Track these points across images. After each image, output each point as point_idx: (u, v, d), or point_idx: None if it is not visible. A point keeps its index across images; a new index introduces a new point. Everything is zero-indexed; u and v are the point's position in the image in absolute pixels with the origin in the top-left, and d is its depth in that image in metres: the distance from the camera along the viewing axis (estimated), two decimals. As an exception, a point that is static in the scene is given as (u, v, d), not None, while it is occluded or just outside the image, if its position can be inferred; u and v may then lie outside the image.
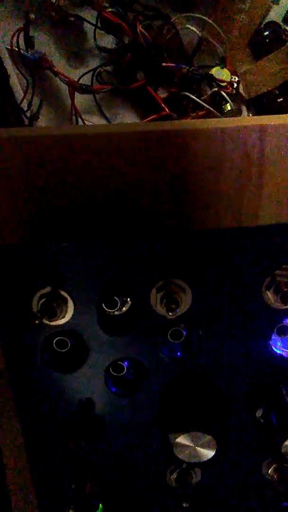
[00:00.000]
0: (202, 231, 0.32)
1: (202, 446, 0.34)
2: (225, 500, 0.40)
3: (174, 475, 0.38)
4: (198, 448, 0.34)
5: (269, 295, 0.33)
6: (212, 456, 0.34)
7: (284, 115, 0.34)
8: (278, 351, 0.35)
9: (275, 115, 0.34)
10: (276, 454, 0.34)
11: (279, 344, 0.36)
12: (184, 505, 0.36)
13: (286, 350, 0.36)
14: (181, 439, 0.33)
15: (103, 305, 0.33)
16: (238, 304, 0.33)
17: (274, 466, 0.38)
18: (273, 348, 0.35)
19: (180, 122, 0.32)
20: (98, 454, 0.37)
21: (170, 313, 0.31)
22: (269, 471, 0.38)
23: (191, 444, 0.34)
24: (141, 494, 0.39)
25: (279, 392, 0.35)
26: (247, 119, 0.33)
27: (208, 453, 0.34)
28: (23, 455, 0.37)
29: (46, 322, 0.32)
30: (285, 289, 0.32)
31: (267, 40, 0.65)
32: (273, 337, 0.35)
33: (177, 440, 0.33)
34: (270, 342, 0.35)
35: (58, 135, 0.30)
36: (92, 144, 0.30)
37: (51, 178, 0.30)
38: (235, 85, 0.67)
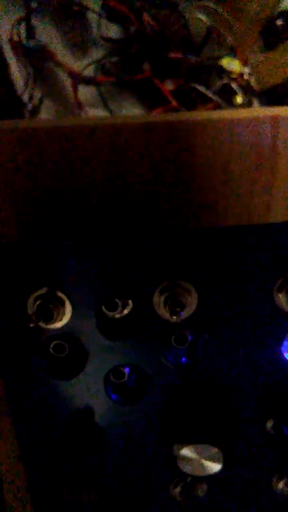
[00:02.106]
0: (209, 229, 0.30)
1: (208, 459, 0.32)
2: (232, 515, 0.38)
3: (178, 489, 0.36)
4: (204, 461, 0.32)
5: (281, 297, 0.30)
6: (219, 470, 0.32)
7: (298, 106, 0.32)
8: (290, 358, 0.33)
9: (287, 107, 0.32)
10: (286, 468, 0.32)
11: (291, 350, 0.34)
12: (188, 520, 0.35)
13: (299, 357, 0.34)
14: (186, 451, 0.32)
15: (103, 307, 0.32)
16: (247, 307, 0.31)
17: (285, 480, 0.36)
18: (285, 354, 0.33)
19: (186, 113, 0.30)
20: (97, 465, 0.35)
21: (174, 317, 0.29)
22: (280, 486, 0.36)
23: (196, 457, 0.32)
24: (143, 508, 0.37)
25: (291, 402, 0.32)
26: (258, 110, 0.31)
27: (215, 467, 0.32)
28: (20, 466, 0.36)
29: (42, 325, 0.30)
30: (299, 292, 0.30)
31: (280, 30, 0.63)
32: (285, 343, 0.33)
33: (181, 452, 0.32)
34: (282, 348, 0.33)
35: (56, 127, 0.28)
36: (92, 138, 0.28)
37: (49, 173, 0.29)
38: (246, 76, 0.65)
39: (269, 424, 0.33)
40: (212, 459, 0.32)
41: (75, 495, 0.37)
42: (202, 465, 0.32)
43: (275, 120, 0.30)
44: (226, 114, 0.30)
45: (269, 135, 0.30)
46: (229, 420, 0.33)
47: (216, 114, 0.30)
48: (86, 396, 0.33)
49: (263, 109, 0.32)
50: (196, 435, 0.31)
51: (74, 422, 0.34)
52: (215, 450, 0.31)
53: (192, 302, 0.31)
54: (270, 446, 0.34)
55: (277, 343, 0.32)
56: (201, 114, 0.30)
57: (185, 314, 0.31)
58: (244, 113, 0.30)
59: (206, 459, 0.32)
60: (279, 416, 0.33)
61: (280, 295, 0.31)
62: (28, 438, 0.34)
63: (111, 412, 0.34)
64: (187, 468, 0.32)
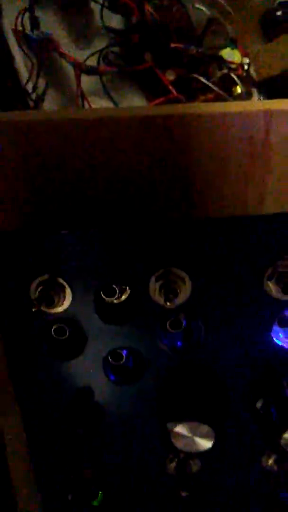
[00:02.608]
0: (203, 220, 0.31)
1: (200, 436, 0.33)
2: (224, 490, 0.40)
3: (173, 464, 0.38)
4: (196, 438, 0.33)
5: (271, 285, 0.32)
6: (210, 447, 0.34)
7: (290, 99, 0.33)
8: (279, 343, 0.35)
9: (281, 99, 0.33)
10: (275, 446, 0.33)
11: (280, 335, 0.35)
12: (182, 494, 0.37)
13: (287, 341, 0.35)
14: (179, 429, 0.33)
15: (101, 293, 0.33)
16: (239, 294, 0.33)
17: (274, 457, 0.38)
18: (274, 339, 0.34)
19: (183, 106, 0.31)
20: (97, 441, 0.37)
21: (168, 303, 0.31)
22: (269, 462, 0.38)
23: (189, 434, 0.33)
24: (140, 482, 0.39)
25: (280, 384, 0.34)
26: (252, 104, 0.32)
27: (206, 444, 0.34)
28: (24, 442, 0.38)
29: (44, 309, 0.32)
30: (287, 280, 0.31)
31: (280, 21, 0.63)
32: (274, 328, 0.34)
33: (175, 429, 0.33)
34: (271, 333, 0.34)
35: (56, 120, 0.30)
36: (91, 130, 0.30)
37: (50, 165, 0.30)
38: (246, 67, 0.65)
39: (259, 404, 0.35)
40: (204, 436, 0.33)
41: (76, 469, 0.39)
42: (194, 442, 0.34)
43: (268, 114, 0.31)
44: (220, 108, 0.31)
45: (262, 129, 0.31)
46: (221, 400, 0.35)
47: (210, 108, 0.31)
48: (86, 376, 0.35)
49: (256, 103, 0.33)
50: (189, 414, 0.33)
51: (75, 400, 0.36)
52: (206, 428, 0.33)
53: (186, 289, 0.32)
54: (260, 425, 0.35)
55: (267, 328, 0.34)
56: (196, 108, 0.31)
57: (179, 300, 0.32)
58: (237, 106, 0.31)
59: (198, 437, 0.33)
60: (268, 396, 0.34)
61: (269, 283, 0.32)
62: (31, 415, 0.36)
63: (110, 391, 0.36)
64: (180, 445, 0.34)
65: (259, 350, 0.34)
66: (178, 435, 0.33)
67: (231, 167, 0.31)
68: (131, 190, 0.31)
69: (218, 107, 0.31)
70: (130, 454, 0.38)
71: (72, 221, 0.31)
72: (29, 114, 0.31)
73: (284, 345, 0.35)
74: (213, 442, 0.34)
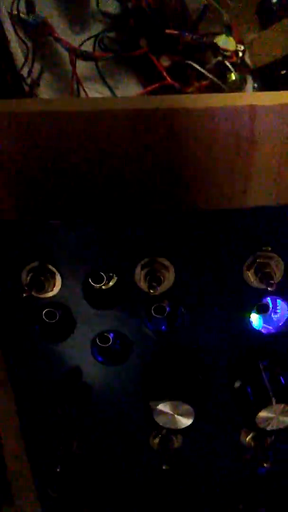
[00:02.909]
0: (187, 212, 0.32)
1: (181, 414, 0.35)
2: (204, 464, 0.42)
3: (156, 440, 0.40)
4: (177, 416, 0.36)
5: (250, 275, 0.34)
6: (190, 424, 0.36)
7: (277, 93, 0.34)
8: (257, 328, 0.37)
9: (267, 92, 0.34)
10: (252, 424, 0.35)
11: (258, 321, 0.37)
12: (164, 467, 0.39)
13: (265, 327, 0.37)
14: (162, 407, 0.35)
15: (89, 279, 0.34)
16: (220, 283, 0.34)
17: (251, 435, 0.40)
18: (252, 325, 0.36)
19: (171, 99, 0.32)
20: (85, 418, 0.40)
21: (151, 290, 0.32)
22: (246, 440, 0.41)
23: (170, 412, 0.35)
24: (125, 456, 0.42)
25: (256, 366, 0.36)
26: (238, 98, 0.32)
27: (186, 421, 0.36)
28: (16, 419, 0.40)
29: (34, 294, 0.34)
30: (265, 270, 0.33)
31: (275, 9, 0.63)
32: (252, 314, 0.36)
33: (157, 407, 0.35)
34: (250, 319, 0.36)
35: (49, 112, 0.30)
36: (81, 123, 0.30)
37: (42, 157, 0.31)
38: (241, 54, 0.65)
39: (237, 384, 0.37)
40: (184, 414, 0.35)
41: (64, 445, 0.41)
42: (175, 419, 0.36)
43: (252, 109, 0.32)
44: (206, 102, 0.32)
45: (247, 123, 0.32)
46: (201, 380, 0.37)
47: (197, 102, 0.32)
48: (75, 358, 0.37)
49: (242, 97, 0.33)
50: (171, 393, 0.35)
51: (64, 380, 0.38)
52: (187, 406, 0.35)
53: (170, 277, 0.34)
54: (237, 404, 0.38)
55: (245, 314, 0.36)
56: (184, 102, 0.32)
57: (163, 287, 0.34)
58: (224, 101, 0.32)
59: (179, 414, 0.36)
60: (245, 377, 0.36)
61: (248, 273, 0.34)
62: (23, 393, 0.38)
63: (97, 372, 0.38)
64: (162, 422, 0.36)
65: (238, 334, 0.36)
66: (161, 412, 0.35)
67: (216, 161, 0.32)
68: (119, 182, 0.32)
69: (204, 101, 0.32)
70: (116, 430, 0.40)
71: (62, 211, 0.32)
72: (27, 103, 0.32)
73: (262, 330, 0.37)
74: (193, 420, 0.36)
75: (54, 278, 0.34)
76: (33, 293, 0.33)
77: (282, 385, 0.35)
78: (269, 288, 0.32)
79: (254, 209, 0.33)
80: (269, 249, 0.33)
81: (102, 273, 0.34)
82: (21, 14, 0.59)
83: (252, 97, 0.34)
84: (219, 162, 0.33)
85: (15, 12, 0.58)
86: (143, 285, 0.34)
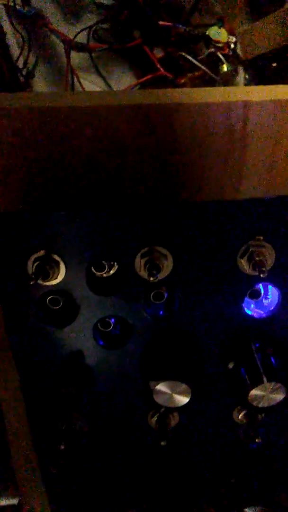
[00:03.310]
0: (184, 203, 0.34)
1: (178, 393, 0.38)
2: (199, 440, 0.45)
3: (155, 418, 0.42)
4: (175, 395, 0.38)
5: (243, 262, 0.36)
6: (187, 403, 0.38)
7: (269, 88, 0.35)
8: (249, 312, 0.39)
9: (260, 87, 0.35)
10: (245, 402, 0.38)
11: (251, 306, 0.39)
12: (161, 443, 0.41)
13: (257, 311, 0.39)
14: (160, 387, 0.37)
15: (92, 268, 0.36)
16: (215, 270, 0.36)
17: (244, 412, 0.43)
18: (245, 309, 0.39)
19: (166, 94, 0.33)
20: (87, 399, 0.41)
21: (151, 278, 0.34)
22: (239, 417, 0.43)
23: (168, 391, 0.38)
24: (125, 434, 0.44)
25: (249, 348, 0.38)
26: (232, 93, 0.34)
27: (183, 400, 0.38)
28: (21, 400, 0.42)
29: (40, 282, 0.35)
30: (257, 258, 0.35)
31: (266, 1, 0.64)
32: (246, 300, 0.38)
33: (156, 387, 0.37)
34: (243, 304, 0.38)
35: (49, 107, 0.31)
36: (78, 117, 0.31)
37: (43, 150, 0.32)
38: (232, 45, 0.66)
39: (231, 365, 0.39)
40: (182, 393, 0.38)
41: (67, 423, 0.43)
42: (173, 398, 0.38)
43: (246, 104, 0.33)
44: (201, 97, 0.33)
45: (241, 118, 0.33)
46: (197, 361, 0.39)
47: (191, 97, 0.33)
48: (77, 342, 0.39)
49: (236, 91, 0.34)
50: (169, 373, 0.37)
51: (67, 363, 0.39)
52: (184, 386, 0.37)
53: (168, 265, 0.36)
54: (231, 384, 0.40)
55: (239, 299, 0.38)
56: (179, 97, 0.33)
57: (162, 275, 0.36)
58: (218, 96, 0.33)
59: (176, 394, 0.38)
60: (239, 358, 0.39)
61: (242, 260, 0.36)
62: (28, 375, 0.40)
63: (99, 355, 0.40)
64: (160, 401, 0.38)
65: (232, 318, 0.38)
66: (159, 392, 0.38)
67: (211, 155, 0.34)
68: (117, 176, 0.33)
69: (199, 96, 0.33)
70: (117, 410, 0.42)
71: (65, 202, 0.34)
72: (25, 99, 0.33)
73: (254, 314, 0.39)
74: (190, 398, 0.38)
75: (58, 266, 0.35)
76: (38, 281, 0.34)
77: (273, 365, 0.38)
78: (261, 275, 0.34)
79: (247, 201, 0.34)
80: (262, 238, 0.35)
81: (103, 262, 0.36)
82: (16, 6, 0.59)
83: (245, 92, 0.35)
84: (214, 155, 0.34)
85: (10, 3, 0.59)
86: (142, 273, 0.36)
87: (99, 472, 0.47)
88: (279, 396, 0.38)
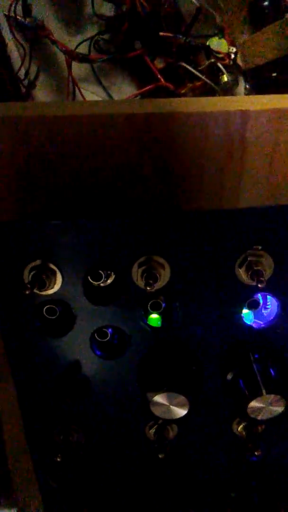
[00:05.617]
0: (182, 212, 0.34)
1: (176, 405, 0.37)
2: (198, 453, 0.44)
3: (153, 430, 0.42)
4: (172, 407, 0.37)
5: (241, 272, 0.35)
6: (184, 415, 0.37)
7: (268, 97, 0.35)
8: (248, 323, 0.38)
9: (258, 97, 0.35)
10: (244, 414, 0.37)
11: (250, 316, 0.39)
12: (159, 456, 0.41)
13: (256, 322, 0.39)
14: (158, 398, 0.37)
15: (89, 277, 0.36)
16: (213, 280, 0.36)
17: (243, 424, 0.42)
18: (244, 320, 0.38)
19: (165, 103, 0.33)
20: (84, 410, 0.41)
21: (148, 288, 0.34)
22: (239, 429, 0.42)
23: (166, 403, 0.37)
24: (123, 446, 0.43)
25: (247, 359, 0.38)
26: (231, 103, 0.34)
27: (181, 412, 0.37)
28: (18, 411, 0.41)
29: (36, 292, 0.35)
30: (255, 268, 0.34)
31: (266, 11, 0.65)
32: (244, 310, 0.38)
33: (153, 398, 0.37)
34: (242, 315, 0.38)
35: (45, 116, 0.31)
36: (77, 125, 0.32)
37: (39, 159, 0.32)
38: (233, 56, 0.67)
39: (229, 376, 0.39)
40: (179, 405, 0.37)
41: (64, 435, 0.42)
42: (170, 410, 0.37)
43: (244, 114, 0.33)
44: (200, 107, 0.33)
45: (239, 128, 0.33)
46: (195, 373, 0.39)
47: (190, 107, 0.33)
48: (74, 352, 0.39)
49: (234, 101, 0.35)
50: (166, 385, 0.37)
51: (64, 373, 0.39)
52: (181, 397, 0.37)
53: (166, 275, 0.36)
54: (230, 395, 0.39)
55: (237, 310, 0.37)
56: (177, 106, 0.33)
57: (159, 284, 0.36)
58: (216, 106, 0.33)
59: (174, 405, 0.37)
60: (237, 369, 0.38)
61: (240, 270, 0.35)
62: (24, 386, 0.40)
63: (96, 365, 0.39)
64: (158, 412, 0.38)
65: (230, 329, 0.38)
66: (157, 403, 0.37)
67: (210, 164, 0.34)
68: (115, 185, 0.33)
69: (197, 106, 0.33)
70: (114, 421, 0.42)
71: (63, 212, 0.34)
72: (23, 108, 0.33)
73: (252, 325, 0.38)
74: (188, 410, 0.37)
75: (55, 276, 0.35)
76: (34, 290, 0.34)
77: (272, 377, 0.37)
78: (259, 285, 0.33)
79: (246, 210, 0.34)
80: (260, 247, 0.35)
81: (100, 271, 0.36)
82: (18, 17, 0.60)
83: (244, 101, 0.35)
84: (212, 164, 0.34)
85: (12, 14, 0.59)
86: (140, 282, 0.35)
87: (96, 484, 0.46)
88: (279, 408, 0.37)
